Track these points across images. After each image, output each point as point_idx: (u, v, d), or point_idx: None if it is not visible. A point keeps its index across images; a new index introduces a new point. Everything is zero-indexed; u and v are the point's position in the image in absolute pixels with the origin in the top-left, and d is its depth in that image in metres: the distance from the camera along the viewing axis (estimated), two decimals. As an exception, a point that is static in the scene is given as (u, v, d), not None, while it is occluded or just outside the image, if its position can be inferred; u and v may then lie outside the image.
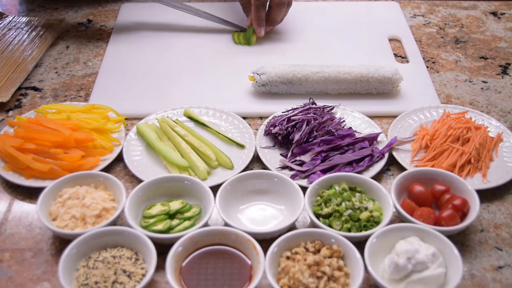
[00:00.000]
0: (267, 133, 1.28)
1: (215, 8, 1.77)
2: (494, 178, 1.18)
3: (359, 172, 1.18)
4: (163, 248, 1.00)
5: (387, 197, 1.08)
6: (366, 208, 1.07)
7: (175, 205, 1.09)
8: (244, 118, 1.35)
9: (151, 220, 1.06)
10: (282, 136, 1.25)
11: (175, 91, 1.45)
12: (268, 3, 1.58)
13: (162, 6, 1.74)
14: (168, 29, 1.70)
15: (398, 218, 1.12)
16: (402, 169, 1.20)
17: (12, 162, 1.18)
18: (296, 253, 0.99)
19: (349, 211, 1.06)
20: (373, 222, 1.05)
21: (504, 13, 1.84)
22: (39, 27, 1.69)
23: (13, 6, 1.88)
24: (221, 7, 1.80)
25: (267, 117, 1.33)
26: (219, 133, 1.29)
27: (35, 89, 1.47)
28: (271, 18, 1.58)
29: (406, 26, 1.74)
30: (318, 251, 1.00)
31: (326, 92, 1.43)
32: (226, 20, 1.68)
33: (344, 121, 1.31)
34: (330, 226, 1.05)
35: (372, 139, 1.26)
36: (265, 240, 1.01)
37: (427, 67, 1.56)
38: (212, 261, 0.99)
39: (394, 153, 1.24)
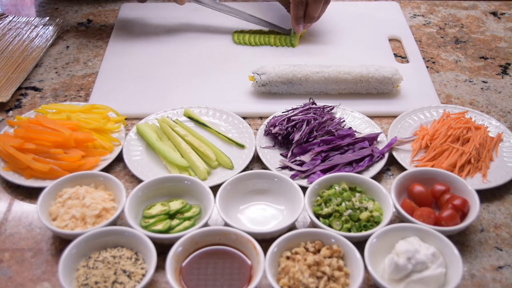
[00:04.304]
0: (267, 133, 1.28)
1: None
2: (494, 178, 1.18)
3: (359, 172, 1.18)
4: (163, 248, 1.00)
5: (387, 197, 1.08)
6: (366, 208, 1.07)
7: (175, 205, 1.09)
8: (244, 118, 1.35)
9: (151, 220, 1.06)
10: (282, 136, 1.25)
11: (175, 91, 1.45)
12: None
13: (162, 6, 1.74)
14: (168, 29, 1.70)
15: (398, 218, 1.12)
16: (402, 169, 1.20)
17: (12, 162, 1.18)
18: (296, 253, 0.99)
19: (349, 211, 1.06)
20: (373, 222, 1.05)
21: (504, 13, 1.84)
22: (39, 27, 1.69)
23: (13, 7, 1.88)
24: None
25: (267, 117, 1.33)
26: (219, 133, 1.29)
27: (35, 89, 1.47)
28: (308, 14, 1.56)
29: (406, 26, 1.74)
30: (318, 251, 1.00)
31: (326, 92, 1.43)
32: (269, 22, 1.67)
33: (344, 121, 1.31)
34: (330, 226, 1.05)
35: (372, 139, 1.26)
36: (265, 240, 1.01)
37: (427, 67, 1.56)
38: (212, 261, 0.99)
39: (394, 153, 1.24)
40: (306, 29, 1.61)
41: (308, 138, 1.24)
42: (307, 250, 1.00)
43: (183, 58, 1.57)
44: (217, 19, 1.72)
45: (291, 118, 1.27)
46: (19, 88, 1.46)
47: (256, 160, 1.26)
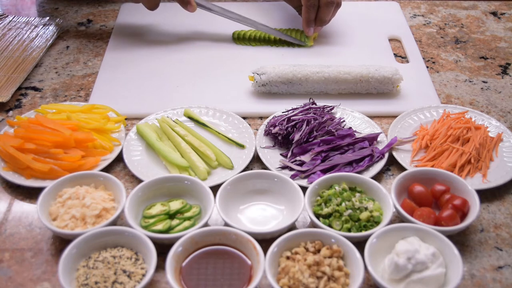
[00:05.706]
0: (267, 133, 1.28)
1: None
2: (494, 178, 1.18)
3: (359, 172, 1.18)
4: (163, 248, 1.00)
5: (387, 197, 1.08)
6: (366, 208, 1.07)
7: (175, 205, 1.09)
8: (244, 118, 1.35)
9: (151, 220, 1.06)
10: (282, 136, 1.25)
11: (175, 91, 1.45)
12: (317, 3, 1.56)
13: (162, 7, 1.73)
14: (168, 29, 1.70)
15: (398, 218, 1.12)
16: (402, 169, 1.20)
17: (12, 162, 1.18)
18: (296, 253, 0.99)
19: (349, 211, 1.06)
20: (373, 222, 1.05)
21: (504, 13, 1.84)
22: (39, 27, 1.69)
23: (13, 7, 1.88)
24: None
25: (267, 117, 1.33)
26: (219, 133, 1.29)
27: (35, 89, 1.47)
28: (319, 17, 1.56)
29: (406, 26, 1.74)
30: (318, 251, 1.00)
31: (326, 92, 1.43)
32: (284, 33, 1.64)
33: (344, 121, 1.32)
34: (330, 226, 1.05)
35: (372, 139, 1.26)
36: (265, 240, 1.01)
37: (427, 67, 1.56)
38: (212, 261, 0.99)
39: (394, 153, 1.24)
40: (317, 32, 1.60)
41: (308, 138, 1.24)
42: (307, 250, 1.00)
43: (183, 58, 1.57)
44: (218, 19, 1.71)
45: (291, 118, 1.27)
46: (19, 88, 1.46)
47: (256, 160, 1.26)
